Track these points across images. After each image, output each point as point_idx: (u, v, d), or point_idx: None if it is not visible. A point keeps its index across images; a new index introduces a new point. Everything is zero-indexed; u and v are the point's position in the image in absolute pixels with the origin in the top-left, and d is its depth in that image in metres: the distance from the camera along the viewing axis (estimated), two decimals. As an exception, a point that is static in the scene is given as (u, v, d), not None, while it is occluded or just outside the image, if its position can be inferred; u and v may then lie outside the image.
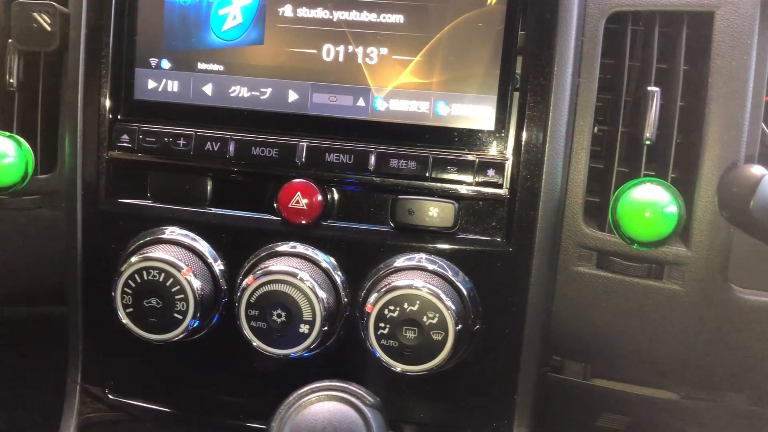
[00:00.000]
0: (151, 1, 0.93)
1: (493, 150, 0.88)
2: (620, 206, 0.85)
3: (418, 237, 0.90)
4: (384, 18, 0.89)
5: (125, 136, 0.94)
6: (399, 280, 0.85)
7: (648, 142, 0.88)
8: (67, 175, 0.98)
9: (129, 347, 0.98)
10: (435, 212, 0.89)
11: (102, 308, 0.94)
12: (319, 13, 0.90)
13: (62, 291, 1.01)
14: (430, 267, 0.88)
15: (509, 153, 0.88)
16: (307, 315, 0.86)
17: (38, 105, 1.00)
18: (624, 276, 0.92)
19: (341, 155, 0.90)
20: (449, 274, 0.88)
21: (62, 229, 0.99)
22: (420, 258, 0.89)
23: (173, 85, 0.94)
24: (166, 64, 0.94)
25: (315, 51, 0.90)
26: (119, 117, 0.95)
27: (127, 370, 1.02)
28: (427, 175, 0.88)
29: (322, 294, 0.86)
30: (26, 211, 1.02)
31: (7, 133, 0.96)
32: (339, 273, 0.91)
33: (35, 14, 0.95)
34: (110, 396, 1.02)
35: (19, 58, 0.98)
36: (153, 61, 0.94)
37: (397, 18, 0.89)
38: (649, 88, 0.87)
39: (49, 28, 0.96)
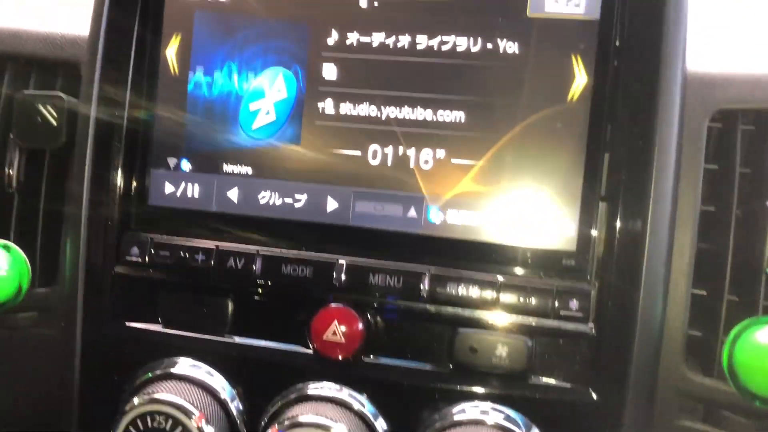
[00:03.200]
0: (171, 92, 0.83)
1: (575, 275, 0.73)
2: (739, 351, 0.70)
3: (483, 380, 0.75)
4: (442, 116, 0.76)
5: (135, 249, 0.83)
6: (459, 439, 0.69)
7: None
8: (66, 292, 0.87)
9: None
10: (504, 351, 0.74)
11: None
12: (366, 109, 0.78)
13: (57, 420, 0.89)
14: (497, 420, 0.71)
15: (595, 279, 0.73)
16: (343, 480, 0.70)
17: (39, 209, 0.91)
18: None
19: (388, 277, 0.77)
20: (521, 430, 0.71)
21: (61, 351, 0.87)
22: (485, 409, 0.73)
23: (194, 190, 0.83)
24: (186, 165, 0.83)
25: (359, 153, 0.79)
26: (130, 226, 0.84)
27: None
28: (494, 304, 0.73)
29: (361, 453, 0.71)
30: (20, 330, 0.92)
31: (1, 242, 0.85)
32: (382, 423, 0.75)
33: (40, 107, 0.87)
34: None
35: (20, 155, 0.89)
36: (171, 161, 0.84)
37: (458, 116, 0.76)
38: None
39: (54, 123, 0.87)
